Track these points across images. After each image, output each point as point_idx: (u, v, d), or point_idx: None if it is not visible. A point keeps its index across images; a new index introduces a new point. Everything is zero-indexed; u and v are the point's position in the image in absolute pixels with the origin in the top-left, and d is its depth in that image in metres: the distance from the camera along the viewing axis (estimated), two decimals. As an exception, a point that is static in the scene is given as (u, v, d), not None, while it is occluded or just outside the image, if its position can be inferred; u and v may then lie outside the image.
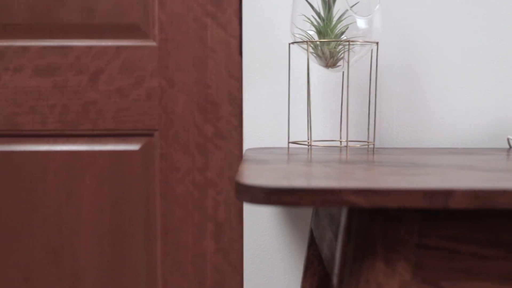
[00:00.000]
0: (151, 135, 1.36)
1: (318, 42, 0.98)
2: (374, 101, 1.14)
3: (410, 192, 0.67)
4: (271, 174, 0.76)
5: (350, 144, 1.12)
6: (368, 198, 0.67)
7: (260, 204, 0.69)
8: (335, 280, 0.77)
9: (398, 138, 1.17)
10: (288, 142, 1.01)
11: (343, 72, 1.08)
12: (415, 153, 1.04)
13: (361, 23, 0.99)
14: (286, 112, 1.15)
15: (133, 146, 1.36)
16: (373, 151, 1.06)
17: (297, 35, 1.00)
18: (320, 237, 1.01)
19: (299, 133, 1.18)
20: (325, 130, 1.16)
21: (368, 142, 1.00)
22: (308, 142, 0.98)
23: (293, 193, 0.68)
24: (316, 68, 1.15)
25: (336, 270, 0.78)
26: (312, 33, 0.99)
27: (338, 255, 0.77)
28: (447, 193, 0.67)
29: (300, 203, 0.68)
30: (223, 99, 1.32)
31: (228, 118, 1.31)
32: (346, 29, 0.99)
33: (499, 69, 1.17)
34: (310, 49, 0.99)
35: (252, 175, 0.75)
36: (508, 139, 1.08)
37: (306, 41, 0.97)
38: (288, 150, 1.03)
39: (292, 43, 0.99)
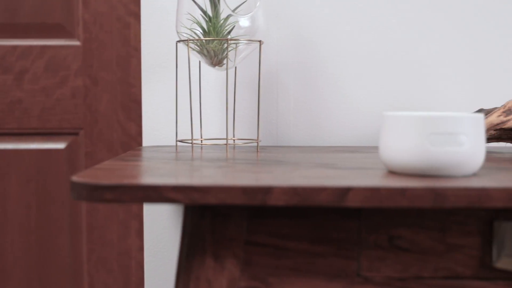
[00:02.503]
0: (76, 133, 1.37)
1: (204, 41, 0.98)
2: (261, 99, 1.14)
3: (229, 189, 0.68)
4: (120, 172, 0.76)
5: (231, 142, 1.12)
6: (188, 195, 0.68)
7: (85, 200, 0.69)
8: (175, 278, 0.77)
9: (295, 136, 1.17)
10: (176, 141, 1.01)
11: (235, 70, 1.08)
12: (298, 151, 1.04)
13: (243, 21, 0.99)
14: (186, 110, 1.16)
15: (59, 145, 1.37)
16: (257, 148, 1.06)
17: (184, 34, 1.00)
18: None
19: (196, 131, 1.18)
20: (221, 129, 1.17)
21: (252, 140, 0.99)
22: (191, 141, 0.99)
23: (115, 190, 0.68)
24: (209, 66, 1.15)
25: (176, 268, 0.78)
26: (199, 32, 0.99)
27: (178, 253, 0.77)
28: (266, 190, 0.67)
29: (122, 200, 0.68)
30: (143, 97, 1.32)
31: (147, 117, 1.32)
32: (232, 28, 0.99)
33: (391, 67, 1.16)
34: (197, 48, 1.00)
35: (93, 173, 0.76)
36: None
37: (187, 40, 0.98)
38: (176, 149, 1.04)
39: (178, 41, 1.00)
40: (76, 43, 1.36)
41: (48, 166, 1.36)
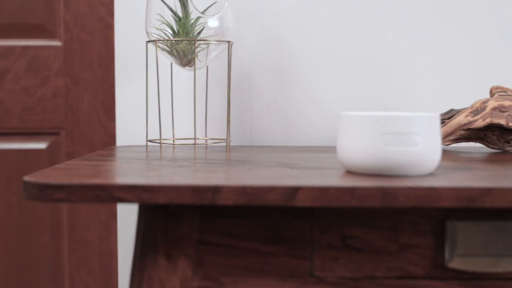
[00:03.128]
0: (57, 133, 1.38)
1: (173, 41, 0.98)
2: (234, 99, 1.14)
3: (178, 189, 0.68)
4: (75, 172, 0.77)
5: (203, 142, 1.13)
6: (137, 194, 0.68)
7: (35, 199, 0.70)
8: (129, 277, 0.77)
9: (269, 136, 1.17)
10: (147, 141, 1.02)
11: (207, 70, 1.08)
12: (268, 151, 1.04)
13: (212, 22, 0.99)
14: (156, 110, 1.16)
15: (40, 145, 1.38)
16: (227, 148, 1.07)
17: (154, 34, 1.00)
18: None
19: (168, 131, 1.18)
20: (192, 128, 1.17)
21: (222, 140, 1.00)
22: (160, 141, 0.99)
23: (64, 190, 0.69)
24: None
25: (131, 267, 0.79)
26: (170, 32, 0.99)
27: (133, 252, 0.78)
28: (215, 190, 0.68)
29: (71, 200, 0.69)
30: (122, 97, 1.33)
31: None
32: (202, 28, 1.00)
33: (364, 67, 1.16)
34: (167, 48, 1.00)
35: (48, 173, 0.76)
36: None
37: (156, 40, 0.98)
38: (147, 148, 1.04)
39: (148, 42, 1.00)
40: (58, 43, 1.36)
41: (29, 166, 1.37)
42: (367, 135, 0.74)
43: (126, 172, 0.76)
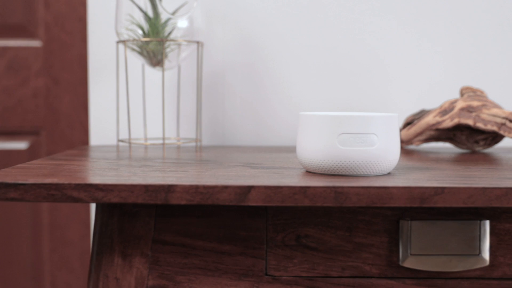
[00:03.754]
0: (38, 133, 1.38)
1: (143, 42, 0.99)
2: (207, 99, 1.15)
3: (132, 188, 0.68)
4: (35, 171, 0.77)
5: (174, 142, 1.13)
6: (90, 193, 0.68)
7: (-8, 199, 0.70)
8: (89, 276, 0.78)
9: (241, 136, 1.17)
10: (118, 140, 1.02)
11: (178, 71, 1.09)
12: (237, 151, 1.04)
13: (181, 23, 1.00)
14: (134, 110, 1.17)
15: (20, 145, 1.38)
16: (197, 148, 1.07)
17: (125, 35, 1.01)
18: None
19: (151, 131, 1.19)
20: (168, 128, 1.17)
21: (191, 139, 1.00)
22: (129, 140, 1.00)
23: (18, 188, 0.69)
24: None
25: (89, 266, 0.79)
26: (140, 33, 1.00)
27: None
28: (168, 189, 0.68)
29: (25, 199, 0.69)
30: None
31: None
32: (173, 29, 1.00)
33: (336, 68, 1.16)
34: (137, 49, 1.01)
35: (7, 172, 0.76)
36: None
37: (125, 41, 0.99)
38: (118, 148, 1.05)
39: (118, 42, 1.01)
40: (38, 43, 1.37)
41: (9, 166, 1.38)
42: (324, 135, 0.74)
43: (85, 171, 0.76)
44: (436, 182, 0.70)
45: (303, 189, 0.68)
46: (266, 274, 0.73)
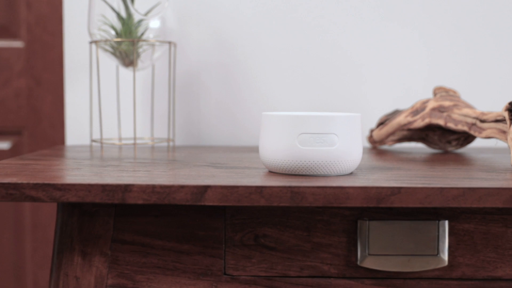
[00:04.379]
0: (20, 133, 1.39)
1: (115, 42, 0.99)
2: (182, 99, 1.15)
3: (89, 187, 0.68)
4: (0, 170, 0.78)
5: (140, 141, 1.13)
6: (49, 193, 0.69)
7: (-49, 198, 0.70)
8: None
9: (216, 136, 1.17)
10: (91, 141, 1.02)
11: (153, 71, 1.09)
12: (209, 151, 1.05)
13: (153, 23, 1.00)
14: (110, 110, 1.17)
15: (3, 145, 1.39)
16: (168, 148, 1.07)
17: (98, 35, 1.01)
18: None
19: (128, 131, 1.19)
20: (143, 128, 1.18)
21: (162, 139, 1.00)
22: (101, 140, 1.00)
23: (-23, 188, 0.69)
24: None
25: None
26: (113, 33, 1.00)
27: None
28: (125, 188, 0.68)
29: (-16, 198, 0.69)
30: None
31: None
32: (146, 29, 1.00)
33: (311, 68, 1.16)
34: (110, 49, 1.01)
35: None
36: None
37: (97, 41, 0.99)
38: (91, 148, 1.05)
39: (90, 42, 1.01)
40: (20, 44, 1.37)
41: (-8, 166, 1.38)
42: (285, 135, 0.74)
43: (47, 171, 0.76)
44: (395, 182, 0.70)
45: (259, 189, 0.68)
46: (225, 274, 0.73)
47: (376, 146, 1.06)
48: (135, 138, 0.97)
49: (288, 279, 0.73)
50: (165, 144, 1.17)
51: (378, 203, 0.68)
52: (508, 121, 0.81)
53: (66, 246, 0.74)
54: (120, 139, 1.05)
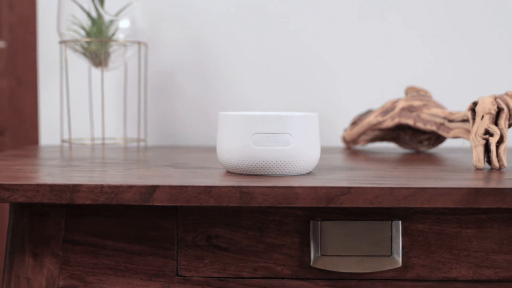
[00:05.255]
0: (2, 134, 1.39)
1: (86, 42, 0.99)
2: (157, 99, 1.15)
3: (37, 187, 0.68)
4: None
5: (110, 141, 1.13)
6: (-3, 193, 0.68)
7: None
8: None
9: (192, 136, 1.16)
10: (62, 141, 1.02)
11: (125, 71, 1.08)
12: (180, 152, 1.04)
13: (122, 23, 1.00)
14: (84, 109, 1.17)
15: (-15, 145, 1.39)
16: (139, 149, 1.07)
17: (68, 35, 1.01)
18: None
19: (96, 131, 1.19)
20: (117, 129, 1.17)
21: (132, 139, 0.99)
22: (70, 141, 1.00)
23: None
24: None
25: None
26: (83, 33, 1.00)
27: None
28: (73, 188, 0.68)
29: None
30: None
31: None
32: (116, 29, 1.00)
33: (287, 67, 1.15)
34: (81, 49, 1.01)
35: None
36: None
37: (66, 41, 0.99)
38: (62, 148, 1.05)
39: (60, 42, 1.01)
40: (1, 44, 1.37)
41: (-25, 166, 1.38)
42: (239, 135, 0.74)
43: (2, 171, 0.76)
44: (347, 182, 0.69)
45: (208, 189, 0.67)
46: (177, 275, 0.73)
47: (350, 146, 1.05)
48: (103, 139, 0.96)
49: (241, 280, 0.72)
50: (134, 144, 1.16)
51: (328, 203, 0.67)
52: (471, 121, 0.80)
53: (18, 247, 0.73)
54: (92, 139, 1.05)
